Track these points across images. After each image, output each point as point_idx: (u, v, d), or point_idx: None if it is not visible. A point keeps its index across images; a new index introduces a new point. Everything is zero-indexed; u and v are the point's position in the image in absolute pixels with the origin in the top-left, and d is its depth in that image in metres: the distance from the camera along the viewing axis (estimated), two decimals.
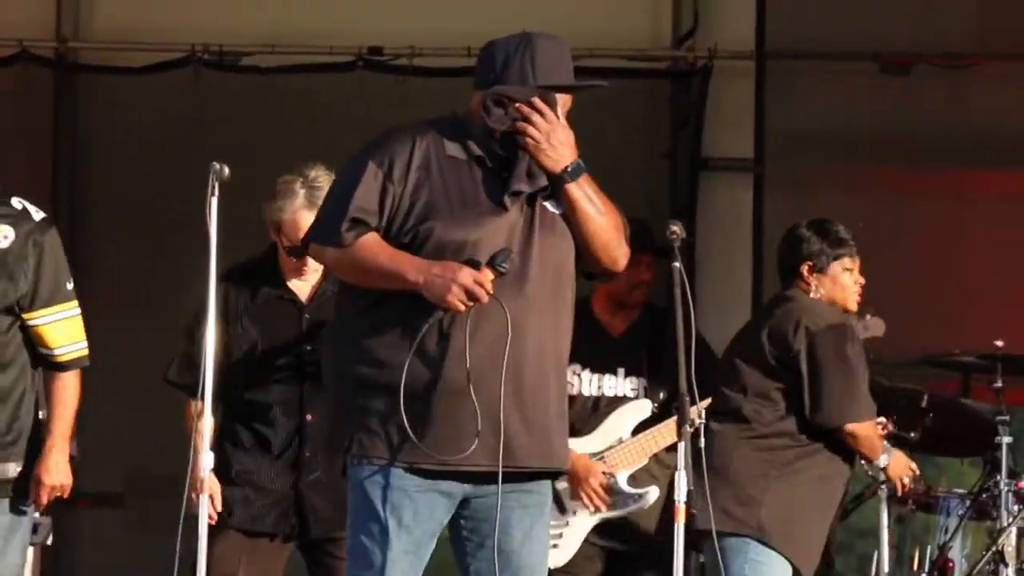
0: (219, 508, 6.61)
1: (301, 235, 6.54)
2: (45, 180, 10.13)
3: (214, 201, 6.35)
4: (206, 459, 6.18)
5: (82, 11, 10.60)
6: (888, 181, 10.31)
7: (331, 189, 5.57)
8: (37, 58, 10.41)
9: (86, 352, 6.37)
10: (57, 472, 6.30)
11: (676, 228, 6.33)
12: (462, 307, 5.24)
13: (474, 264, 5.27)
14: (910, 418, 7.98)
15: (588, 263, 5.49)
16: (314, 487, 6.66)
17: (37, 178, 10.07)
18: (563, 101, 5.53)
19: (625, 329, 7.56)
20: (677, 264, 6.19)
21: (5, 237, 6.15)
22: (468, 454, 5.28)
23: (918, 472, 7.52)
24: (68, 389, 6.34)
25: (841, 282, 7.15)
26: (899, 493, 7.59)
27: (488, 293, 5.24)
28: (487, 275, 5.26)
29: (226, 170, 6.39)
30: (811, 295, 7.09)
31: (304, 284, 6.78)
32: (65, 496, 6.42)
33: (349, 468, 5.38)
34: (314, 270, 6.74)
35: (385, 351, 5.33)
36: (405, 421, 5.26)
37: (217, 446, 6.51)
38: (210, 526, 6.31)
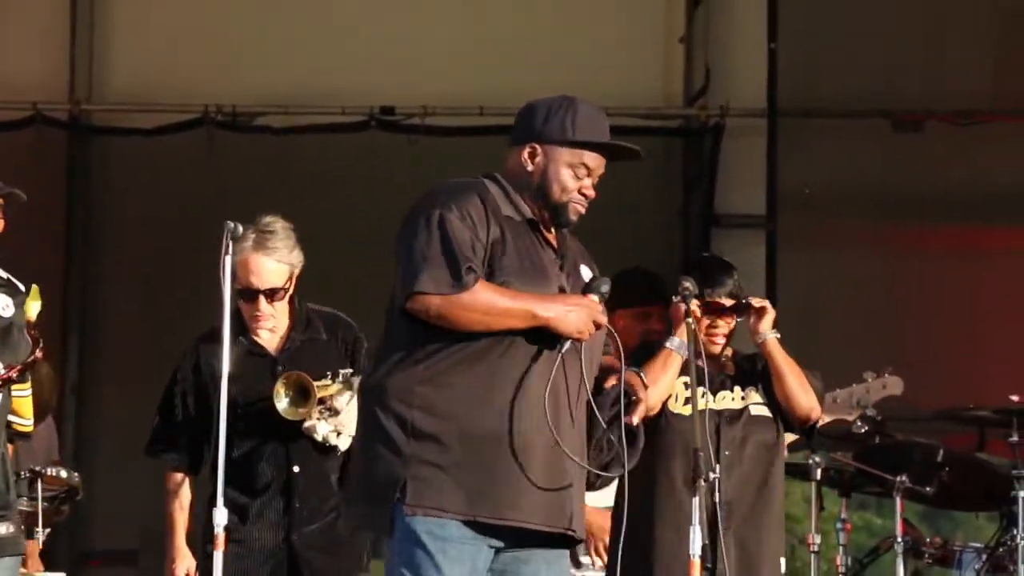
0: None
1: (252, 278, 6.60)
2: (59, 239, 10.20)
3: (228, 260, 6.42)
4: (219, 515, 6.22)
5: (95, 73, 10.67)
6: (901, 238, 10.33)
7: (411, 244, 5.38)
8: (51, 120, 10.48)
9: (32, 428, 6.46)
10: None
11: (688, 284, 6.36)
12: (588, 337, 5.31)
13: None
14: (926, 472, 7.97)
15: None
16: (307, 540, 6.63)
17: (51, 237, 10.14)
18: (599, 163, 5.54)
19: None
20: (690, 320, 6.25)
21: (7, 307, 6.21)
22: (526, 512, 5.28)
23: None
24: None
25: None
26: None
27: (605, 320, 5.35)
28: (598, 303, 5.36)
29: (240, 229, 6.45)
30: None
31: (273, 336, 6.74)
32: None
33: (398, 517, 5.30)
34: (271, 317, 6.69)
35: (447, 403, 5.31)
36: (497, 459, 5.25)
37: (206, 507, 6.48)
38: None
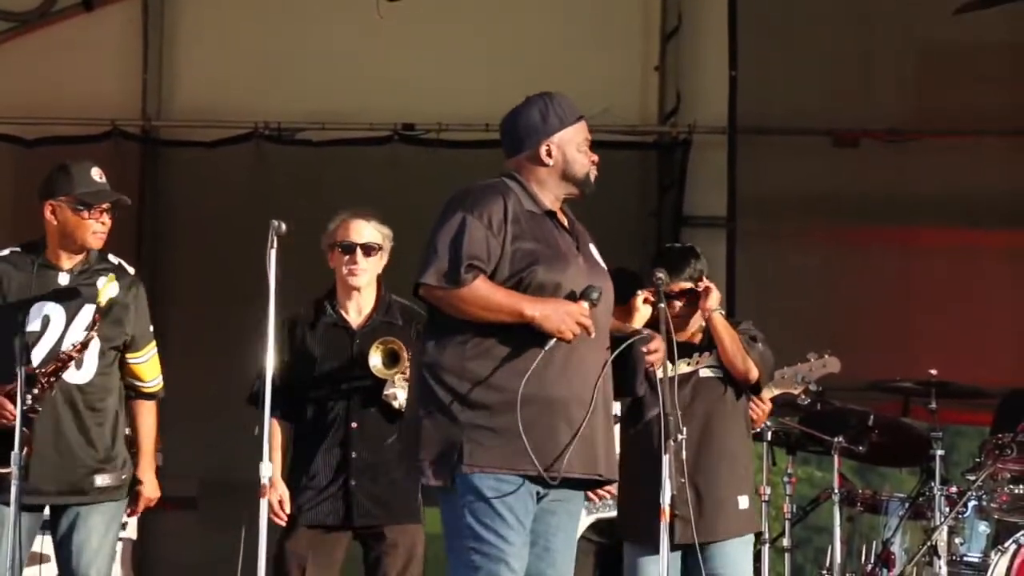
0: (288, 511, 6.64)
1: (352, 234, 6.66)
2: (132, 239, 10.15)
3: (273, 253, 6.45)
4: (264, 467, 6.24)
5: (163, 94, 10.65)
6: (840, 237, 10.29)
7: (434, 240, 5.40)
8: (126, 134, 10.49)
9: (162, 385, 6.50)
10: (151, 487, 6.46)
11: (661, 275, 6.38)
12: (571, 336, 5.31)
13: (571, 298, 5.35)
14: (859, 434, 7.99)
15: None
16: (361, 486, 6.65)
17: (126, 237, 10.12)
18: (587, 132, 5.59)
19: None
20: (662, 305, 6.27)
21: (115, 288, 6.27)
22: (565, 463, 5.29)
23: None
24: (152, 415, 6.48)
25: None
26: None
27: (591, 323, 5.33)
28: (586, 308, 5.35)
29: (283, 227, 6.47)
30: None
31: (358, 315, 6.75)
32: (152, 506, 6.55)
33: (458, 475, 5.29)
34: (365, 272, 6.69)
35: (495, 375, 5.30)
36: (522, 431, 5.23)
37: (292, 459, 6.65)
38: (282, 522, 6.54)
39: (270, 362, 6.35)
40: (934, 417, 8.15)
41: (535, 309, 5.32)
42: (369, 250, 6.70)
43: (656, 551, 5.99)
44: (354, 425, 6.66)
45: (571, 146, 5.51)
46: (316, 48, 10.53)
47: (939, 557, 7.82)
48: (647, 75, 10.48)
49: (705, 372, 6.68)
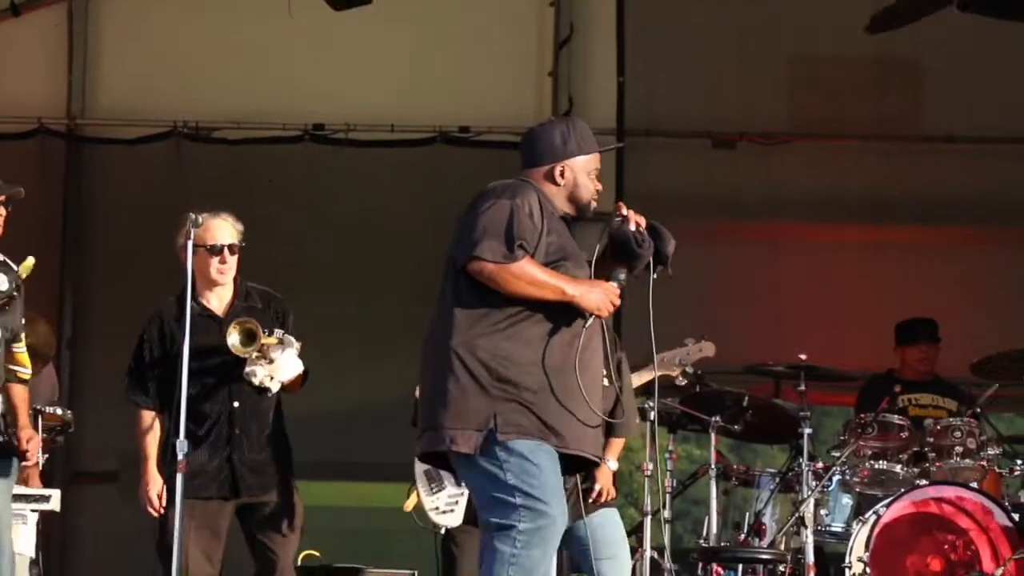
0: (163, 500, 6.66)
1: (218, 236, 6.66)
2: (58, 226, 10.15)
3: (190, 244, 6.50)
4: (180, 443, 6.36)
5: (88, 93, 10.58)
6: (718, 232, 10.35)
7: (477, 222, 5.39)
8: (52, 132, 10.43)
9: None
10: (35, 441, 6.56)
11: (623, 275, 6.46)
12: (607, 314, 5.41)
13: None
14: (735, 414, 8.02)
15: None
16: (244, 461, 6.71)
17: (52, 225, 10.10)
18: (598, 163, 5.67)
19: None
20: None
21: (3, 283, 6.33)
22: (582, 443, 5.39)
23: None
24: (26, 396, 6.58)
25: None
26: None
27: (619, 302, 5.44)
28: (617, 288, 5.46)
29: (200, 219, 6.52)
30: None
31: (220, 303, 6.79)
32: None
33: (493, 442, 5.30)
34: (231, 270, 6.74)
35: (524, 354, 5.35)
36: (556, 400, 5.31)
37: (167, 438, 6.62)
38: (159, 513, 6.59)
39: (185, 349, 6.41)
40: (803, 398, 8.16)
41: (576, 289, 5.40)
42: (234, 249, 6.76)
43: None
44: (236, 404, 6.71)
45: (582, 173, 5.58)
46: (234, 50, 10.50)
47: (806, 527, 7.85)
48: (541, 81, 10.53)
49: None
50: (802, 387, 8.18)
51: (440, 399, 5.39)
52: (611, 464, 7.14)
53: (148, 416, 6.78)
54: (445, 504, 7.29)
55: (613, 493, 7.11)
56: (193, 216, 6.48)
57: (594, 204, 5.63)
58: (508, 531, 5.33)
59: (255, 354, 6.64)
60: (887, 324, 9.21)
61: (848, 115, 10.16)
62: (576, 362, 5.38)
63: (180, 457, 6.36)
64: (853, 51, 10.16)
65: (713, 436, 8.01)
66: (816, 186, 10.21)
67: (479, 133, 10.36)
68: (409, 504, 7.37)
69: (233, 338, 6.65)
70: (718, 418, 7.97)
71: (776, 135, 10.16)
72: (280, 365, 6.68)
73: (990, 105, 10.16)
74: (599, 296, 5.41)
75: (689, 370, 7.71)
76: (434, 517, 7.30)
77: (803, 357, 8.18)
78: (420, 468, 7.36)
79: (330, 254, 10.18)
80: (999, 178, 10.17)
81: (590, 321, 5.39)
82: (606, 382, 5.85)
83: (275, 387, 6.72)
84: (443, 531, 7.33)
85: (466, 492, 7.30)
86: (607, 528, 6.86)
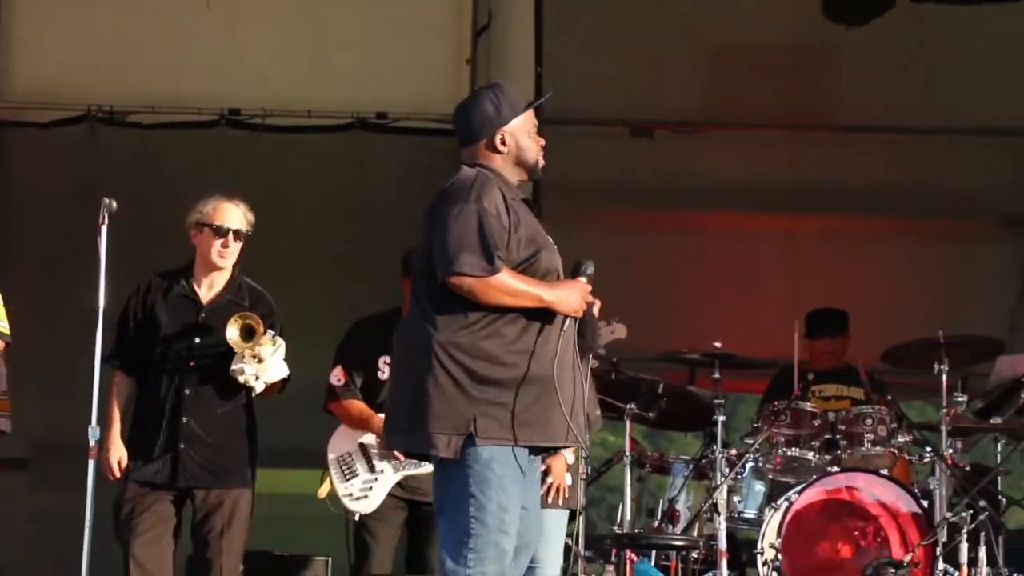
0: (122, 469, 6.66)
1: (227, 219, 6.68)
2: None
3: (104, 229, 6.39)
4: (92, 430, 6.37)
5: (1, 77, 10.43)
6: (636, 219, 10.37)
7: (450, 232, 5.32)
8: None
9: None
10: None
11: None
12: (581, 313, 5.41)
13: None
14: (650, 402, 8.02)
15: None
16: (190, 446, 6.66)
17: None
18: (535, 120, 5.57)
19: None
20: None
21: None
22: (562, 434, 5.37)
23: None
24: None
25: None
26: None
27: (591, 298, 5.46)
28: (587, 285, 5.49)
29: (114, 204, 6.43)
30: None
31: (209, 291, 6.77)
32: None
33: (469, 447, 5.27)
34: (232, 256, 6.72)
35: (504, 354, 5.30)
36: (537, 396, 5.29)
37: (134, 412, 6.69)
38: (117, 480, 6.58)
39: (99, 334, 6.35)
40: (717, 386, 8.20)
41: (551, 294, 5.37)
42: (239, 235, 6.74)
43: None
44: (187, 392, 6.64)
45: (522, 134, 5.50)
46: (149, 34, 10.36)
47: (719, 514, 7.86)
48: (459, 68, 10.46)
49: None
50: (717, 375, 8.20)
51: (421, 401, 5.33)
52: (569, 458, 7.11)
53: (121, 379, 6.76)
54: (359, 490, 7.25)
55: (568, 482, 7.03)
56: (107, 201, 6.43)
57: (541, 162, 5.54)
58: (459, 548, 5.29)
59: (247, 353, 6.56)
60: (803, 313, 9.23)
61: (765, 105, 10.21)
62: (556, 359, 5.34)
63: (92, 443, 6.33)
64: (770, 41, 10.21)
65: (628, 423, 7.98)
66: (733, 175, 10.26)
67: (396, 119, 10.30)
68: (323, 491, 7.31)
69: (232, 332, 6.60)
70: (633, 405, 7.95)
71: (693, 123, 10.17)
72: (268, 366, 6.65)
73: (907, 96, 10.21)
74: (575, 299, 5.41)
75: (601, 352, 7.68)
76: (348, 504, 7.25)
77: (718, 345, 8.19)
78: (333, 455, 7.30)
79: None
80: (915, 169, 10.25)
81: (566, 324, 5.39)
82: None
83: (259, 387, 6.68)
84: (356, 517, 7.26)
85: (379, 478, 7.25)
86: (549, 529, 6.70)
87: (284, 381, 6.78)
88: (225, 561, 6.68)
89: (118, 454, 6.64)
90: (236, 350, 6.59)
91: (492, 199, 5.35)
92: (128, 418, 6.72)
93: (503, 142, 5.47)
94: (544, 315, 5.38)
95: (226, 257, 6.72)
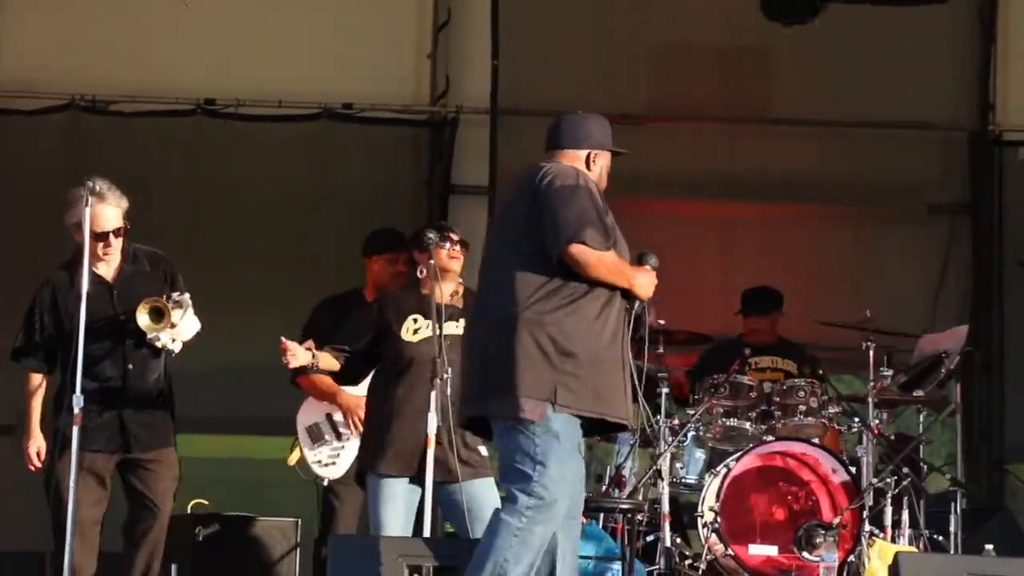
0: (40, 458, 6.64)
1: (103, 223, 6.58)
2: None
3: (87, 211, 6.40)
4: (76, 401, 6.37)
5: None
6: None
7: (571, 206, 5.47)
8: None
9: None
10: None
11: (431, 234, 6.49)
12: (649, 297, 5.60)
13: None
14: None
15: None
16: (133, 417, 6.68)
17: None
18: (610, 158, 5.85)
19: None
20: (432, 262, 6.40)
21: None
22: (624, 413, 5.55)
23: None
24: None
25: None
26: None
27: None
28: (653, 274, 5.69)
29: (97, 185, 6.45)
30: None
31: (109, 268, 6.74)
32: None
33: (547, 412, 5.38)
34: (117, 251, 6.67)
35: (583, 331, 5.43)
36: (608, 372, 5.44)
37: (57, 395, 6.61)
38: (61, 449, 6.50)
39: (82, 311, 6.32)
40: (661, 360, 8.24)
41: (636, 278, 5.58)
42: (118, 233, 6.69)
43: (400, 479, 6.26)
44: (131, 366, 6.66)
45: (605, 168, 5.79)
46: (131, 24, 10.28)
47: (662, 479, 7.90)
48: (420, 62, 10.46)
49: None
50: (661, 349, 8.23)
51: (509, 367, 5.42)
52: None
53: (36, 378, 6.73)
54: (327, 458, 7.27)
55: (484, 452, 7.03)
56: (89, 183, 6.43)
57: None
58: (516, 504, 5.39)
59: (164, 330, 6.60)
60: (739, 292, 9.29)
61: (702, 98, 10.22)
62: (622, 338, 5.51)
63: (76, 411, 6.35)
64: (708, 40, 10.22)
65: None
66: (674, 165, 10.27)
67: (362, 110, 10.31)
68: (292, 458, 7.34)
69: (143, 319, 6.61)
70: None
71: (637, 116, 10.13)
72: (182, 328, 6.68)
73: (835, 91, 10.26)
74: (649, 284, 5.60)
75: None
76: (316, 470, 7.28)
77: (661, 322, 8.20)
78: (302, 424, 7.32)
79: (220, 223, 10.08)
80: (844, 160, 10.28)
81: (637, 306, 5.56)
82: None
83: (177, 347, 6.70)
84: (325, 483, 7.29)
85: (347, 446, 7.27)
86: (488, 496, 6.74)
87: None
88: (166, 518, 6.73)
89: (36, 445, 6.67)
90: (151, 332, 6.61)
91: (595, 189, 5.58)
92: (50, 408, 6.68)
93: (595, 161, 5.74)
94: (616, 297, 5.53)
95: (111, 254, 6.70)
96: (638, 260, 5.69)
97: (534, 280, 5.45)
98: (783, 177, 10.29)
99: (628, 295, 5.64)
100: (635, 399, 5.79)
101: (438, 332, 6.21)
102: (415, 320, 6.60)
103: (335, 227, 9.73)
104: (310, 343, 6.63)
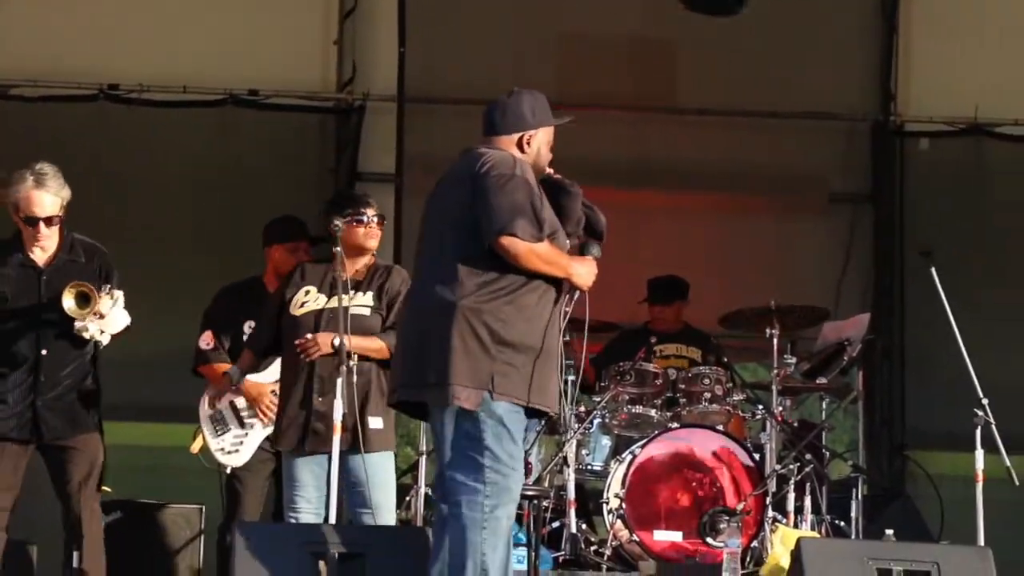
0: None
1: (35, 208, 6.54)
2: None
3: (26, 192, 6.37)
4: None
5: None
6: None
7: (502, 196, 5.43)
8: None
9: None
10: None
11: (337, 221, 6.50)
12: (588, 287, 5.59)
13: None
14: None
15: None
16: (47, 404, 6.62)
17: None
18: (552, 133, 5.83)
19: None
20: (338, 249, 6.39)
21: None
22: (554, 401, 5.57)
23: None
24: None
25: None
26: None
27: None
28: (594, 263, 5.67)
29: (41, 169, 6.40)
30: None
31: (43, 254, 6.69)
32: None
33: (485, 400, 5.37)
34: (48, 239, 6.62)
35: (520, 320, 5.41)
36: (544, 362, 5.45)
37: None
38: None
39: None
40: (569, 347, 8.27)
41: (574, 268, 5.56)
42: (50, 221, 6.62)
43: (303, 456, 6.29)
44: (44, 352, 6.60)
45: (544, 144, 5.73)
46: (32, 7, 10.16)
47: (569, 466, 7.93)
48: (327, 49, 10.41)
49: (355, 310, 6.58)
50: (567, 338, 8.21)
51: (444, 355, 5.41)
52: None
53: None
54: (230, 445, 7.26)
55: (380, 426, 6.88)
56: (35, 167, 6.42)
57: (549, 170, 5.74)
58: (474, 496, 5.39)
59: (90, 317, 6.54)
60: (645, 280, 9.32)
61: (611, 88, 10.24)
62: (559, 329, 5.54)
63: None
64: (616, 29, 10.25)
65: None
66: (582, 153, 10.12)
67: (268, 96, 10.24)
68: (195, 446, 7.31)
69: (68, 302, 6.56)
70: None
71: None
72: (110, 320, 6.62)
73: (741, 81, 10.32)
74: (589, 274, 5.60)
75: None
76: (220, 458, 7.26)
77: (567, 310, 8.20)
78: (204, 412, 7.29)
79: (123, 210, 9.97)
80: (750, 149, 10.36)
81: (576, 295, 5.58)
82: None
83: (106, 340, 6.65)
84: (228, 470, 7.25)
85: (250, 434, 7.24)
86: (379, 475, 6.73)
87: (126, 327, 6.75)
88: (91, 499, 6.68)
89: None
90: (76, 318, 6.54)
91: (532, 178, 5.54)
92: None
93: (528, 143, 5.68)
94: (554, 288, 5.52)
95: (42, 241, 6.64)
96: (580, 250, 5.68)
97: (472, 269, 5.46)
98: (690, 166, 10.36)
99: (561, 284, 5.62)
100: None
101: (342, 323, 6.20)
102: (306, 292, 6.59)
103: (240, 214, 9.66)
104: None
